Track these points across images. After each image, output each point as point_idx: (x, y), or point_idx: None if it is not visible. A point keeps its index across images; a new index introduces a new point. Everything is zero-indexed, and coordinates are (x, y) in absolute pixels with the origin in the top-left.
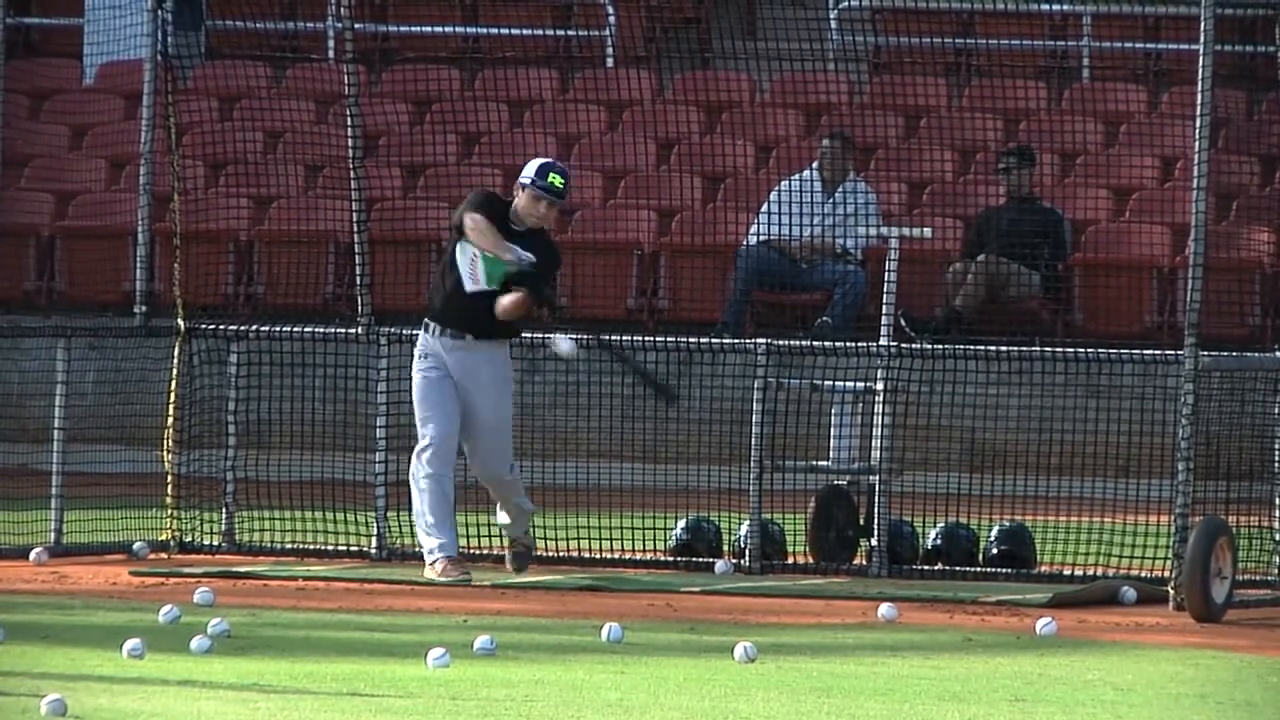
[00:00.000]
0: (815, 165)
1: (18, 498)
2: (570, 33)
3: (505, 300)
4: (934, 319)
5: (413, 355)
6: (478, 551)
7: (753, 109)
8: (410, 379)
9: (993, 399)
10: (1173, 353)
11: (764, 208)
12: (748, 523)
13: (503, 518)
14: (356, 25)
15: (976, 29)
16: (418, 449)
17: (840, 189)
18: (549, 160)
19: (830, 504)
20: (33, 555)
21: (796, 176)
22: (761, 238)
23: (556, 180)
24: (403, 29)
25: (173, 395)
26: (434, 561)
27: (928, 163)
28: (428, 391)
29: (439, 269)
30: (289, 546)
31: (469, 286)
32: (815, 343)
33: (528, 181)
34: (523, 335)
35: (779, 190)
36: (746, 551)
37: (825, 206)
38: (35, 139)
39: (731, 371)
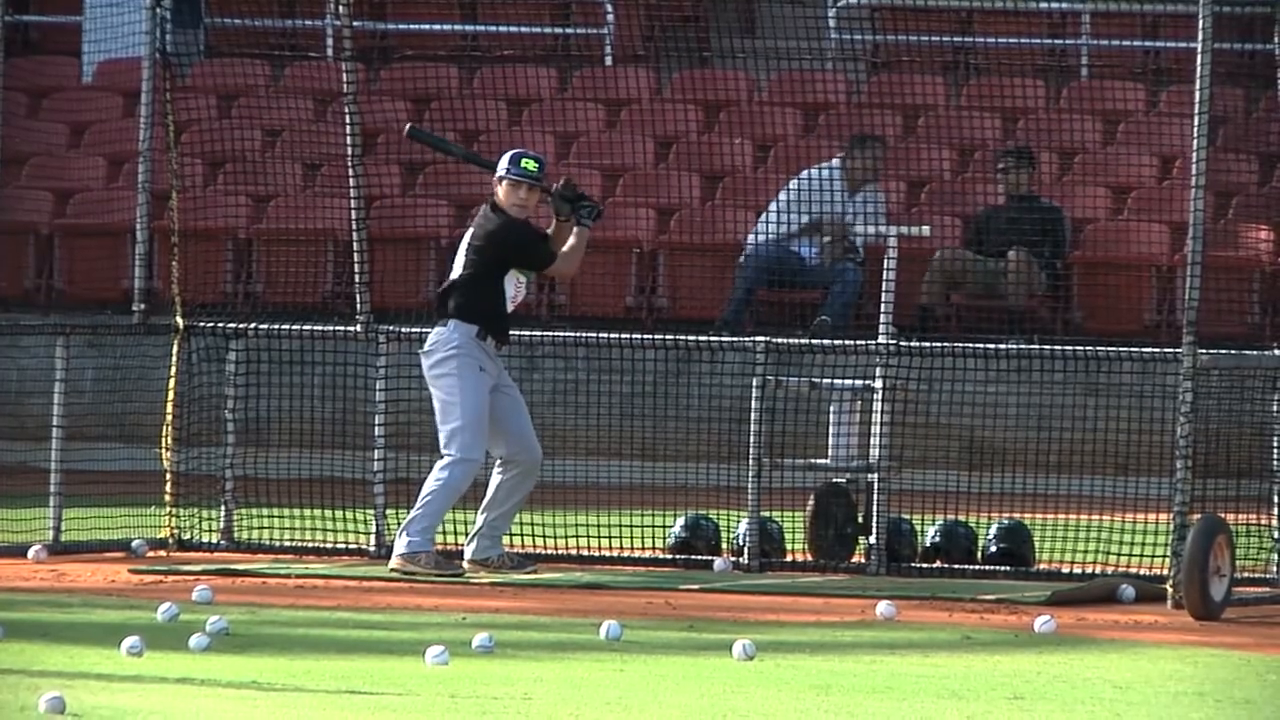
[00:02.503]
0: (840, 163)
1: (16, 495)
2: (569, 31)
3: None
4: (932, 310)
5: (418, 353)
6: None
7: (751, 107)
8: (417, 375)
9: (992, 397)
10: (1171, 351)
11: (775, 205)
12: (746, 520)
13: (481, 547)
14: (355, 23)
15: (975, 27)
16: (462, 459)
17: (862, 191)
18: (519, 149)
19: (829, 502)
20: (31, 553)
21: (815, 171)
22: (773, 237)
23: (530, 164)
24: (401, 27)
25: (171, 393)
26: (416, 554)
27: (926, 161)
28: (483, 411)
29: (474, 284)
30: (288, 544)
31: (510, 308)
32: (814, 341)
33: (503, 173)
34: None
35: (792, 188)
36: (745, 549)
37: (848, 206)
38: (34, 137)
39: (730, 370)
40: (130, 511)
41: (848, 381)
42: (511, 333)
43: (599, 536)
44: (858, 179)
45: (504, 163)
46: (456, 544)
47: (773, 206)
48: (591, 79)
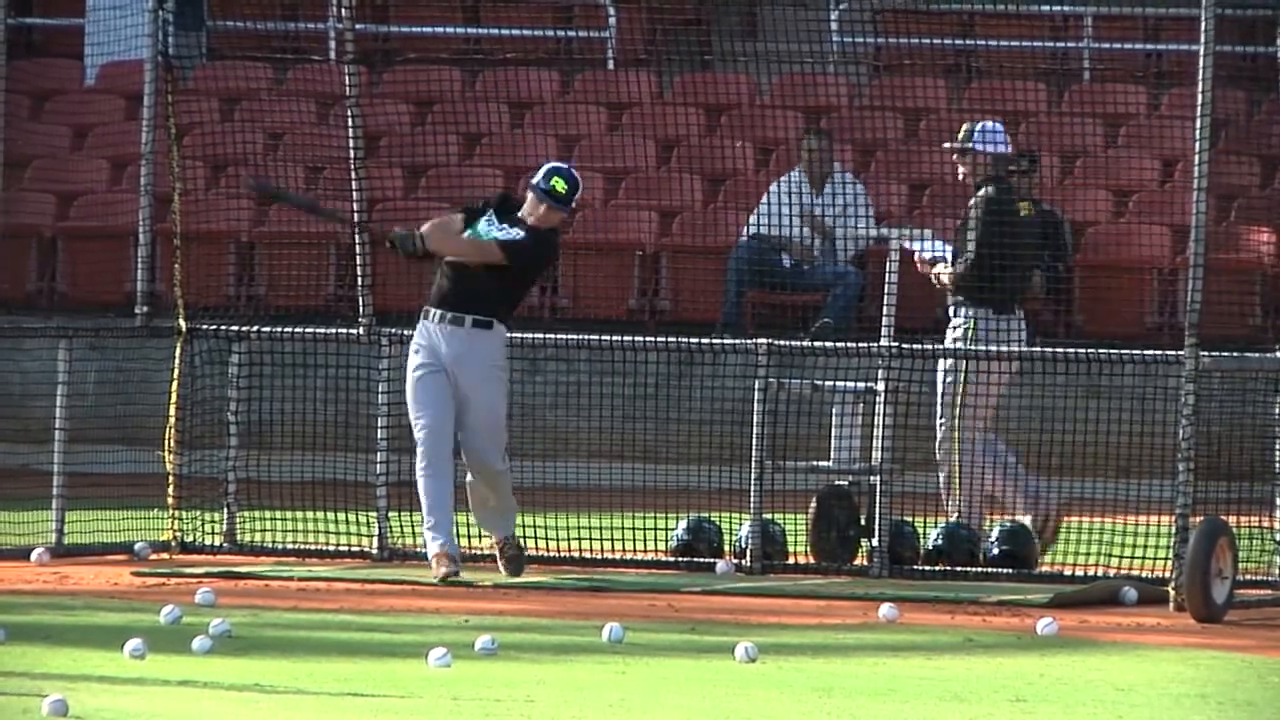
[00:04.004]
0: (801, 166)
1: (19, 498)
2: (571, 34)
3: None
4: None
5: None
6: (479, 551)
7: (753, 110)
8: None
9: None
10: (1173, 353)
11: (755, 212)
12: (748, 523)
13: (487, 519)
14: (358, 26)
15: (977, 30)
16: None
17: (829, 184)
18: (560, 165)
19: (831, 504)
20: (34, 555)
21: (785, 179)
22: (754, 233)
23: (558, 184)
24: (404, 29)
25: (174, 396)
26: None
27: (928, 164)
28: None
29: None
30: (290, 547)
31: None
32: (816, 343)
33: (534, 182)
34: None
35: (769, 194)
36: (747, 552)
37: (817, 205)
38: (37, 139)
39: (732, 372)
40: (133, 514)
41: (850, 384)
42: (513, 334)
43: (601, 539)
44: (817, 174)
45: (540, 172)
46: (471, 547)
47: (754, 214)
48: (594, 82)
